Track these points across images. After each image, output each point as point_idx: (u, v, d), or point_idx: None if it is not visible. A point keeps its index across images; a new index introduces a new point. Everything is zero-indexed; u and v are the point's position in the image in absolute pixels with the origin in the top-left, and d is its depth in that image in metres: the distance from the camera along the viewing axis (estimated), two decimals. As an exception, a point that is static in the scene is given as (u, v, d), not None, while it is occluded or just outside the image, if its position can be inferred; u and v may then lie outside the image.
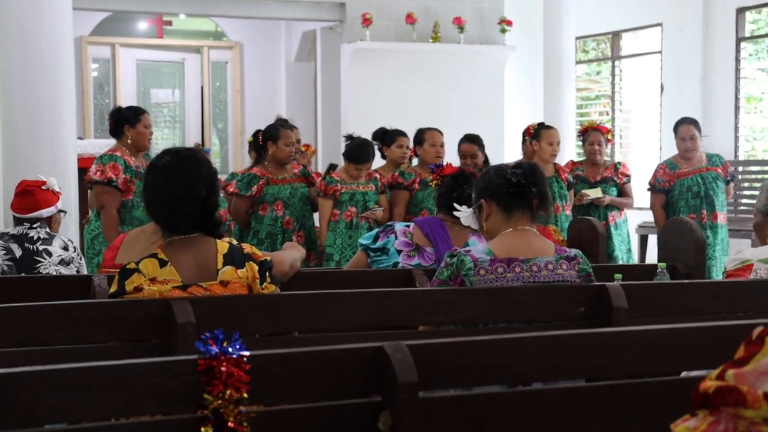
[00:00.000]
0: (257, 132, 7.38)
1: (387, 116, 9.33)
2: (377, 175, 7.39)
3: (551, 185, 7.32)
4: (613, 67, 13.23)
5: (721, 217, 7.66)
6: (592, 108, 13.99)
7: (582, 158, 8.32)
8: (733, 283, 4.17)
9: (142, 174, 6.39)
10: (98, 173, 6.40)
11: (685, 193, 7.60)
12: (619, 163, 8.27)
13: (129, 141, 6.54)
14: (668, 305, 4.05)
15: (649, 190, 7.85)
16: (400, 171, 7.44)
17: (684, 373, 3.13)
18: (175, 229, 3.36)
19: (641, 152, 12.85)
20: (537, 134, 7.58)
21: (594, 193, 7.75)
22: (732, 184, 7.97)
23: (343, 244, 7.12)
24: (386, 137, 7.76)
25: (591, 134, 7.98)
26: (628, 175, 8.03)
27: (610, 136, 8.21)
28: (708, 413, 1.62)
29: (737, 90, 11.20)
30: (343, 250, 7.10)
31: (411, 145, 7.69)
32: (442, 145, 7.46)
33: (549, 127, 7.68)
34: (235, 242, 3.47)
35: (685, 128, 7.67)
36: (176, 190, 3.32)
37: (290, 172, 7.20)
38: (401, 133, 7.74)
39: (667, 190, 7.68)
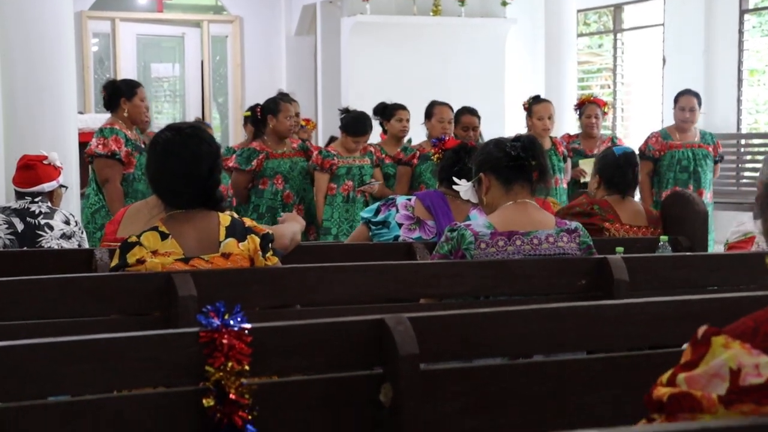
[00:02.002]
0: (255, 106, 7.37)
1: (387, 90, 9.31)
2: (372, 149, 7.38)
3: (550, 158, 7.32)
4: (615, 39, 13.19)
5: (708, 195, 7.66)
6: (594, 81, 13.96)
7: (579, 131, 8.31)
8: (734, 256, 4.18)
9: (140, 147, 6.41)
10: (100, 146, 6.36)
11: (674, 165, 7.60)
12: (616, 136, 8.26)
13: (125, 114, 6.50)
14: (670, 278, 4.05)
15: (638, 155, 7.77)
16: (403, 147, 7.44)
17: (685, 346, 3.13)
18: (177, 205, 3.37)
19: (643, 125, 12.83)
20: (529, 110, 7.61)
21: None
22: (719, 165, 7.97)
23: (341, 218, 7.11)
24: (386, 111, 7.74)
25: (588, 107, 7.96)
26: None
27: (606, 109, 8.18)
28: (664, 419, 1.60)
29: (740, 63, 11.17)
30: (340, 224, 7.09)
31: (410, 117, 7.67)
32: (450, 122, 7.43)
33: (539, 102, 7.66)
34: (236, 216, 3.48)
35: (687, 99, 7.66)
36: (177, 169, 3.33)
37: (289, 146, 7.21)
38: (400, 107, 7.71)
39: (656, 159, 7.66)
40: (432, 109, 7.49)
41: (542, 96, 8.13)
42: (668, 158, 7.60)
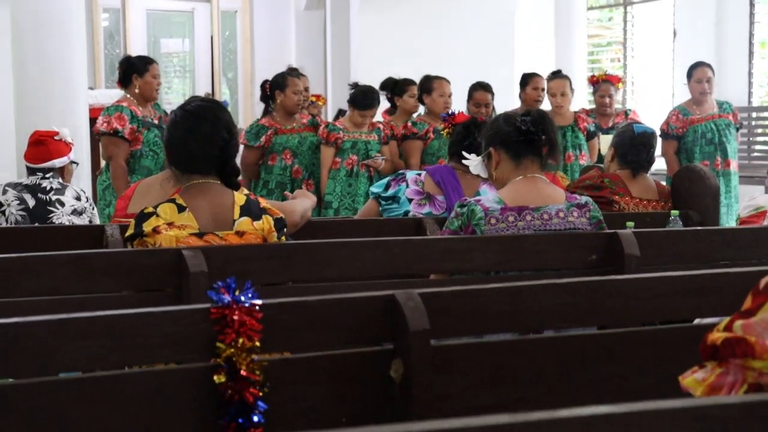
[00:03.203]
0: (264, 82, 7.36)
1: (397, 63, 9.29)
2: (380, 126, 7.36)
3: (564, 134, 7.29)
4: (625, 12, 13.12)
5: (734, 165, 7.62)
6: (604, 55, 13.90)
7: (593, 106, 8.30)
8: (746, 230, 4.16)
9: (150, 123, 6.42)
10: (104, 124, 6.41)
11: (699, 139, 7.54)
12: (630, 109, 8.25)
13: (137, 90, 6.53)
14: (681, 252, 4.04)
15: (660, 136, 7.61)
16: (412, 121, 7.40)
17: (696, 320, 3.13)
18: (194, 169, 3.39)
19: (653, 99, 12.78)
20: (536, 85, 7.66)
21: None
22: (739, 132, 7.92)
23: (343, 192, 7.10)
24: (396, 87, 7.71)
25: (602, 86, 7.95)
26: (638, 122, 8.01)
27: (620, 86, 8.17)
28: (716, 365, 1.62)
29: (751, 35, 11.10)
30: (342, 198, 7.08)
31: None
32: (450, 95, 7.40)
33: (552, 79, 7.67)
34: (252, 195, 3.50)
35: (702, 70, 7.61)
36: (203, 131, 3.38)
37: (299, 122, 7.20)
38: (412, 82, 7.68)
39: (679, 136, 7.62)
40: (431, 84, 7.42)
41: (558, 71, 8.10)
42: (691, 134, 7.54)
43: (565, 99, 7.49)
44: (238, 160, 3.59)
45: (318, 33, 14.22)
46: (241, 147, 7.10)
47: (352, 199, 7.03)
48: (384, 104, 8.05)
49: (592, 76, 8.18)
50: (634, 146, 5.01)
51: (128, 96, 6.54)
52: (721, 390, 1.61)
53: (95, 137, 6.75)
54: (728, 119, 7.61)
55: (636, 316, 2.96)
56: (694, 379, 1.65)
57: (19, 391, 2.24)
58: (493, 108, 7.55)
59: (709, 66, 7.70)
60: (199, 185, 3.40)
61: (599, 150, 7.67)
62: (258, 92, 7.51)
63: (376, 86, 7.55)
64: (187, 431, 2.39)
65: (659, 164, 9.61)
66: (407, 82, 7.68)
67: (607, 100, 7.92)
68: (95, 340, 2.29)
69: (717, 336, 1.63)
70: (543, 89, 7.76)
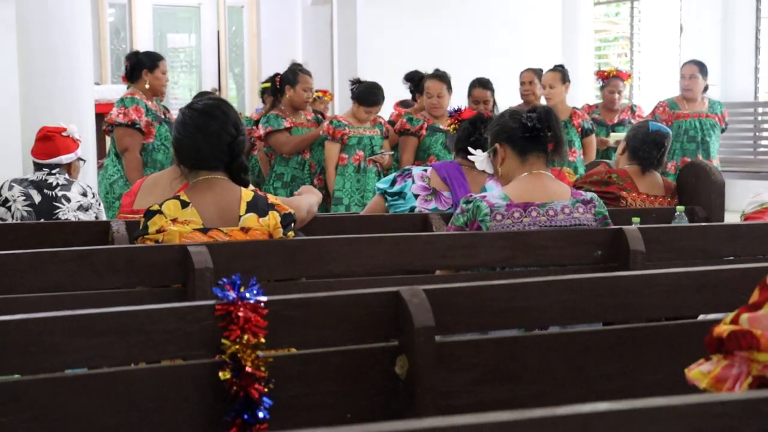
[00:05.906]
0: (275, 75, 7.36)
1: (404, 58, 9.28)
2: (382, 120, 7.35)
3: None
4: (632, 8, 13.11)
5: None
6: (610, 50, 13.88)
7: (598, 101, 8.31)
8: (751, 226, 4.16)
9: (161, 118, 6.43)
10: (121, 115, 6.39)
11: (681, 135, 7.60)
12: (635, 105, 8.27)
13: (147, 86, 6.54)
14: (686, 248, 4.04)
15: None
16: (408, 117, 7.29)
17: (701, 317, 3.13)
18: (201, 166, 3.40)
19: (660, 94, 12.76)
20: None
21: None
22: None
23: (352, 188, 7.10)
24: (420, 83, 7.61)
25: (612, 82, 7.98)
26: (643, 118, 8.04)
27: (629, 82, 8.22)
28: (722, 357, 1.63)
29: (758, 30, 11.09)
30: (351, 194, 7.08)
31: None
32: (439, 96, 7.18)
33: (547, 71, 7.68)
34: (259, 191, 3.51)
35: (686, 67, 7.75)
36: (211, 128, 3.40)
37: (304, 118, 7.23)
38: None
39: None
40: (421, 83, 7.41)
41: (557, 65, 8.08)
42: (675, 128, 7.58)
43: (553, 92, 7.45)
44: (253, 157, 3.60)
45: (324, 28, 14.23)
46: (273, 138, 7.10)
47: (362, 194, 7.03)
48: (397, 96, 8.03)
49: (602, 71, 8.20)
50: (646, 143, 5.01)
51: (137, 90, 6.54)
52: (726, 382, 1.62)
53: (105, 129, 6.74)
54: (714, 120, 7.68)
55: (641, 313, 2.97)
56: (699, 371, 1.66)
57: (25, 388, 2.25)
58: (495, 104, 7.43)
59: (698, 64, 7.72)
60: (206, 181, 3.41)
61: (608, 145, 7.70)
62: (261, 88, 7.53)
63: (383, 82, 7.51)
64: (193, 427, 2.40)
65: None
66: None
67: (616, 95, 7.97)
68: (101, 336, 2.30)
69: (723, 329, 1.64)
70: (530, 83, 7.77)
